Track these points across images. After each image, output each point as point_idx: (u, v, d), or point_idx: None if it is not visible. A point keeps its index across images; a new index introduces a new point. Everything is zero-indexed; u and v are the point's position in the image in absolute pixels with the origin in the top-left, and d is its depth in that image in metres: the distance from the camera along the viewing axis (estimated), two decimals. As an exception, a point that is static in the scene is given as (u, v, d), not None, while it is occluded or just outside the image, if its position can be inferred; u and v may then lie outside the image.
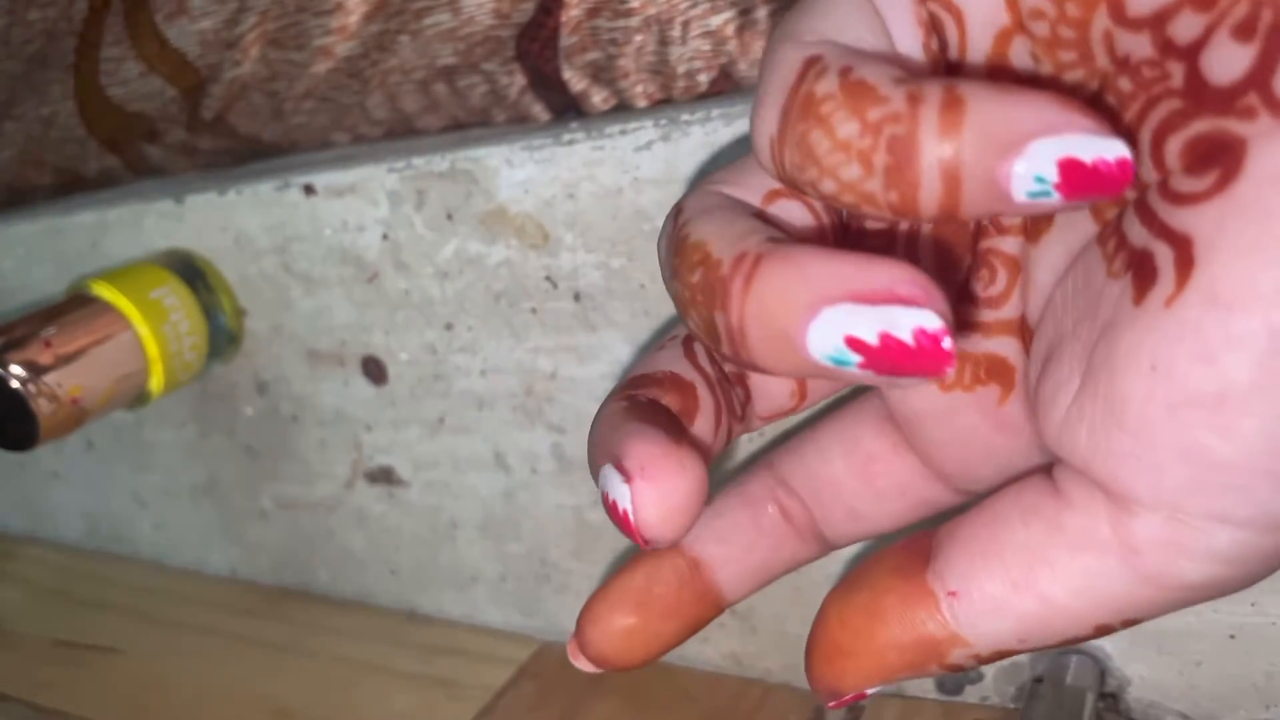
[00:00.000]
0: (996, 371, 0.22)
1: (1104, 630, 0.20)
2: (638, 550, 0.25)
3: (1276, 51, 0.16)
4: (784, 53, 0.18)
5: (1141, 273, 0.17)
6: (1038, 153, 0.16)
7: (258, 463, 0.40)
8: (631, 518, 0.19)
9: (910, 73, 0.17)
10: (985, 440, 0.23)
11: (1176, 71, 0.17)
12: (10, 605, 0.44)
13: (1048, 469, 0.20)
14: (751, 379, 0.24)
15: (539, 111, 0.33)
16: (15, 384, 0.32)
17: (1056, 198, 0.16)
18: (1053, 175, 0.16)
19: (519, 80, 0.32)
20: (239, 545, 0.42)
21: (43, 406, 0.33)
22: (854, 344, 0.17)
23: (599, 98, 0.31)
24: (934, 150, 0.16)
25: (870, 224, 0.22)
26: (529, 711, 0.34)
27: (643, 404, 0.22)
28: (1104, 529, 0.19)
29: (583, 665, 0.24)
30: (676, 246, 0.19)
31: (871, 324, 0.17)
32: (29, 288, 0.42)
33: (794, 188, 0.18)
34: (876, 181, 0.17)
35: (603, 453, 0.20)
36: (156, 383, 0.36)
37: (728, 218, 0.19)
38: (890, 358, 0.17)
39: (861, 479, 0.25)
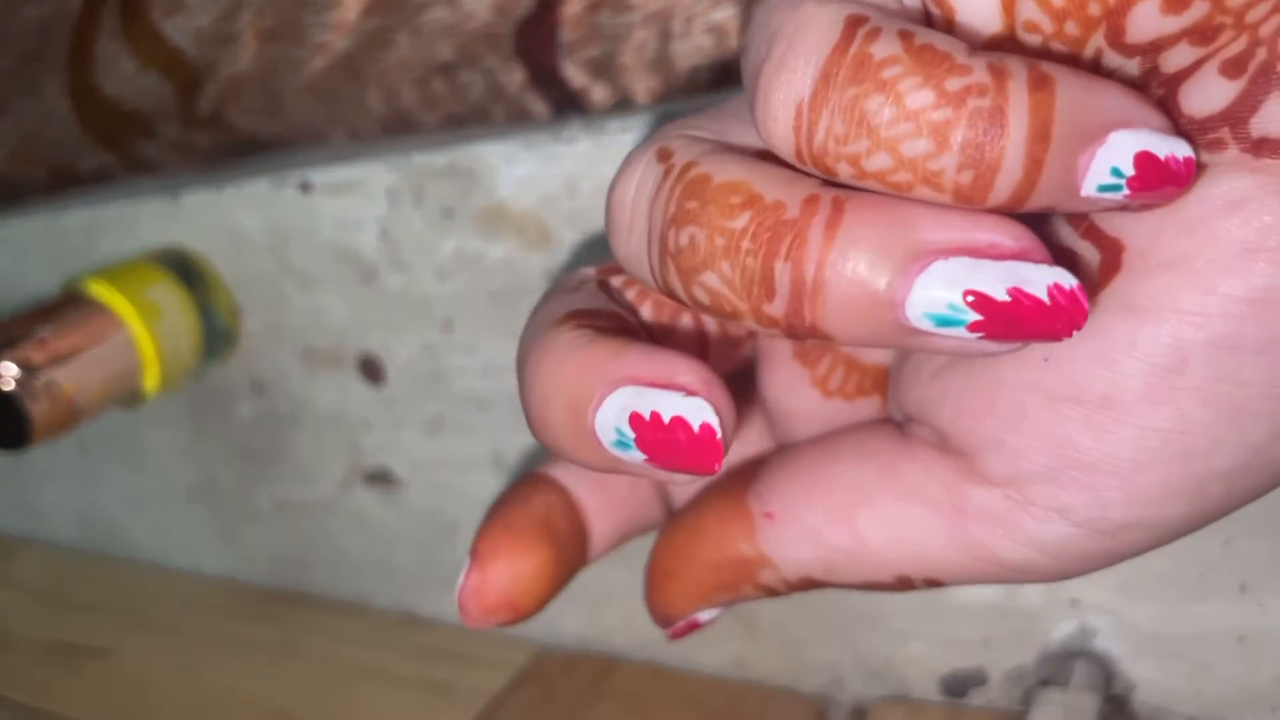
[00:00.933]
0: (880, 383, 0.22)
1: (904, 582, 0.20)
2: (519, 484, 0.24)
3: (1260, 92, 0.16)
4: (810, 10, 0.16)
5: None
6: (1117, 145, 0.16)
7: (254, 463, 0.40)
8: (711, 431, 0.17)
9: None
10: None
11: (1154, 95, 0.17)
12: (4, 607, 0.44)
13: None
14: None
15: (539, 108, 0.33)
16: (9, 384, 0.32)
17: (1124, 194, 0.16)
18: (1128, 169, 0.16)
19: (518, 76, 0.32)
20: (235, 547, 0.42)
21: (37, 406, 0.32)
22: (976, 299, 0.16)
23: (600, 94, 0.31)
24: (1022, 130, 0.15)
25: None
26: (527, 716, 0.33)
27: (614, 328, 0.19)
28: (938, 488, 0.19)
29: (475, 616, 0.22)
30: (692, 188, 0.17)
31: (999, 279, 0.16)
32: (22, 286, 0.41)
33: (814, 162, 0.16)
34: (949, 159, 0.15)
35: (612, 378, 0.18)
36: (152, 382, 0.36)
37: (750, 159, 0.17)
38: (1015, 313, 0.16)
39: None
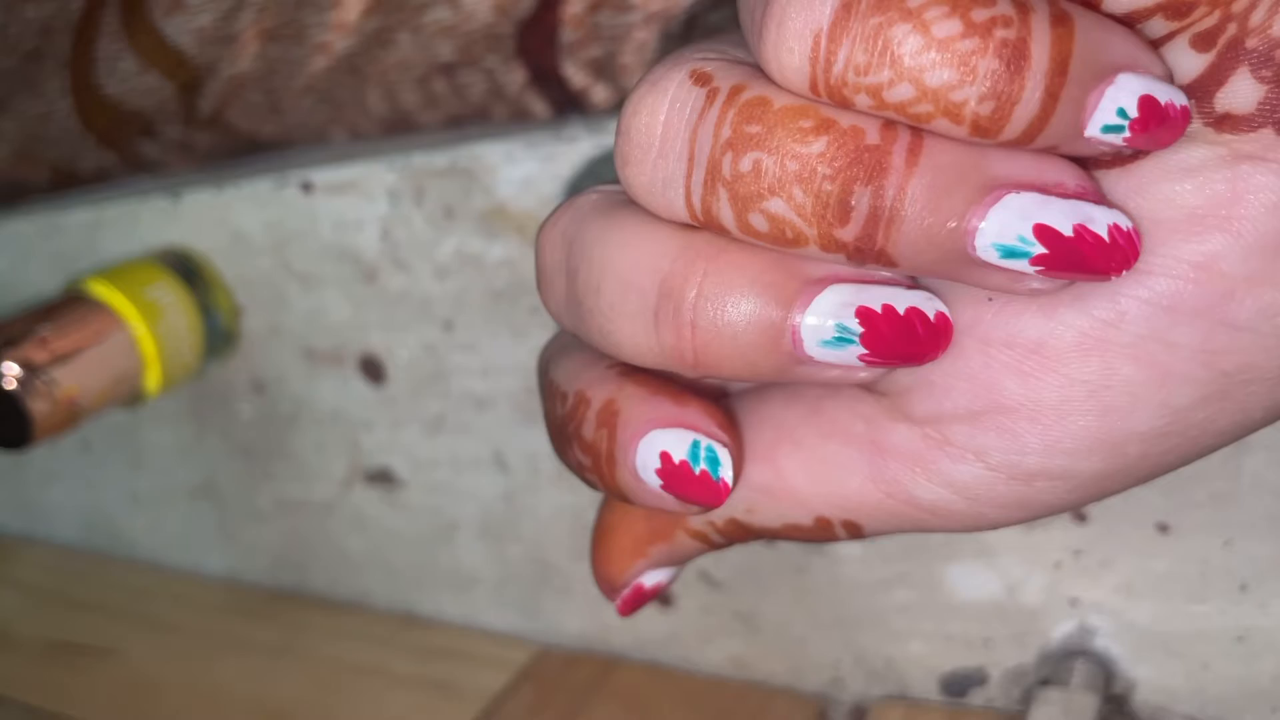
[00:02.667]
0: None
1: (823, 525, 0.20)
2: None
3: (1228, 66, 0.16)
4: None
5: None
6: (1124, 86, 0.16)
7: (255, 463, 0.40)
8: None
9: None
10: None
11: None
12: (5, 606, 0.44)
13: None
14: None
15: (539, 108, 0.32)
16: (10, 383, 0.32)
17: (1125, 136, 0.16)
18: (1133, 110, 0.16)
19: (519, 76, 0.32)
20: (236, 546, 0.42)
21: (38, 406, 0.32)
22: (1044, 232, 0.16)
23: (601, 94, 0.31)
24: (1044, 63, 0.15)
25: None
26: (528, 715, 0.33)
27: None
28: (860, 424, 0.19)
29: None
30: (751, 112, 0.17)
31: (1066, 215, 0.16)
32: (24, 286, 0.41)
33: (831, 94, 0.16)
34: (971, 90, 0.15)
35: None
36: (153, 382, 0.36)
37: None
38: (1078, 249, 0.16)
39: None
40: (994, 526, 0.19)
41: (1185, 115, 0.16)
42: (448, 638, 0.37)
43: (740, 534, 0.21)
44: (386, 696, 0.35)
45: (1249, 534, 0.27)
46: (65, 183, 0.43)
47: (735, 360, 0.18)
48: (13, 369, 0.32)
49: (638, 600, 0.23)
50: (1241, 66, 0.16)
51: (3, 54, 0.39)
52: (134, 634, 0.40)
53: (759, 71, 0.17)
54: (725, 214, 0.17)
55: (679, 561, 0.23)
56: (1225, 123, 0.16)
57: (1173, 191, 0.17)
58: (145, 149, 0.40)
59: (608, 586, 0.23)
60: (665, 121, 0.18)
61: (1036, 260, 0.16)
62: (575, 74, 0.31)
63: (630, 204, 0.19)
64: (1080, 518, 0.28)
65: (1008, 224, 0.16)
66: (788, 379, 0.19)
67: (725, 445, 0.19)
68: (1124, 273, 0.17)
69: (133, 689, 0.38)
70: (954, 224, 0.16)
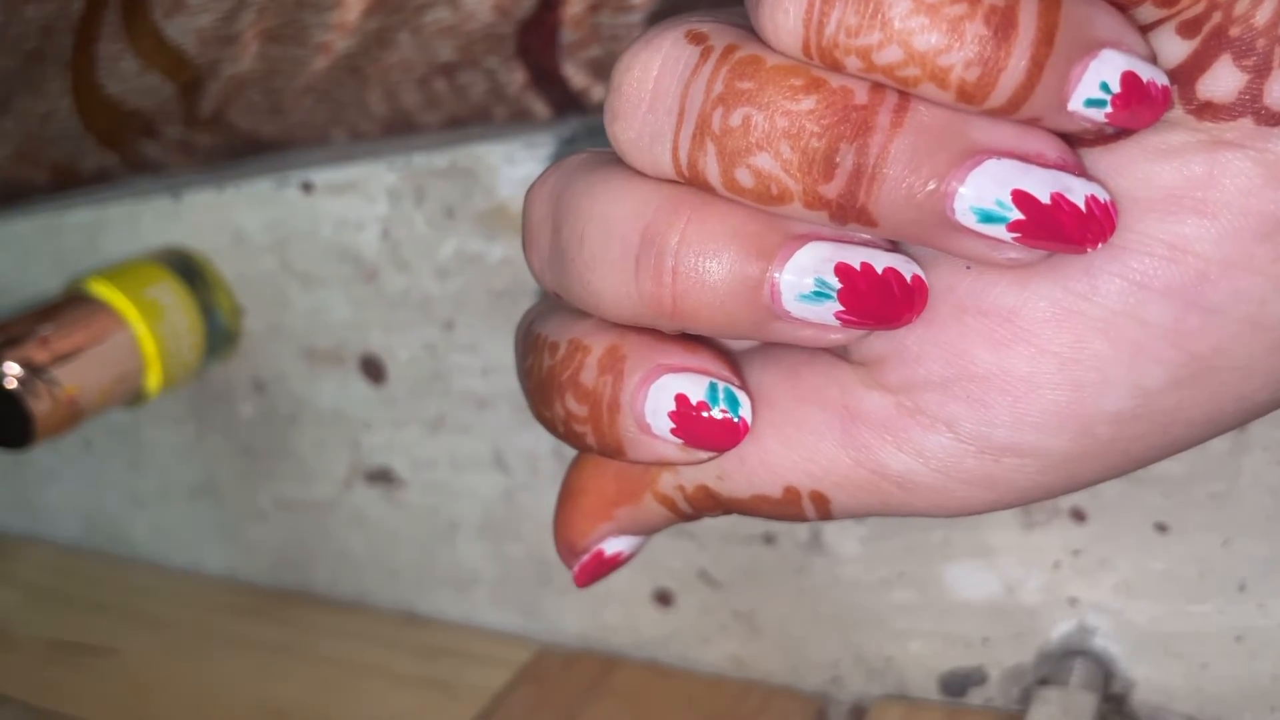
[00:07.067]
0: None
1: (791, 497, 0.20)
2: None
3: (1211, 53, 0.16)
4: None
5: None
6: (1108, 60, 0.16)
7: (255, 462, 0.40)
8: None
9: None
10: None
11: None
12: (6, 605, 0.44)
13: None
14: None
15: (540, 108, 0.33)
16: (11, 383, 0.32)
17: (1107, 112, 0.16)
18: (1115, 85, 0.16)
19: (519, 77, 0.32)
20: (236, 546, 0.42)
21: (39, 405, 0.32)
22: (1021, 198, 0.17)
23: (601, 95, 0.31)
24: (1030, 32, 0.16)
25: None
26: (528, 714, 0.33)
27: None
28: (834, 390, 0.20)
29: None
30: (744, 69, 0.17)
31: (1044, 183, 0.17)
32: (25, 285, 0.41)
33: (822, 55, 0.17)
34: (958, 55, 0.16)
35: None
36: (154, 382, 0.36)
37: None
38: (1055, 217, 0.17)
39: None
40: (962, 508, 0.19)
41: (1166, 95, 0.17)
42: (448, 637, 0.37)
43: (708, 503, 0.21)
44: (386, 696, 0.35)
45: (1248, 534, 0.27)
46: (66, 183, 0.43)
47: (714, 310, 0.18)
48: (14, 369, 0.32)
49: (596, 568, 0.23)
50: (1224, 54, 0.16)
51: (4, 54, 0.39)
52: (134, 634, 0.40)
53: (753, 35, 0.18)
54: (711, 169, 0.17)
55: (643, 530, 0.23)
56: (1206, 110, 0.17)
57: (1151, 171, 0.17)
58: (146, 149, 0.40)
59: (568, 551, 0.23)
60: (658, 77, 0.18)
61: (1013, 227, 0.17)
62: (575, 74, 0.31)
63: (618, 161, 0.19)
64: (1079, 517, 0.29)
65: (986, 188, 0.16)
66: (764, 336, 0.19)
67: (743, 389, 0.20)
68: (1099, 245, 0.17)
69: (133, 689, 0.38)
70: (934, 185, 0.17)
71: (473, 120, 0.34)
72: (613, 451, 0.20)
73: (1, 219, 0.42)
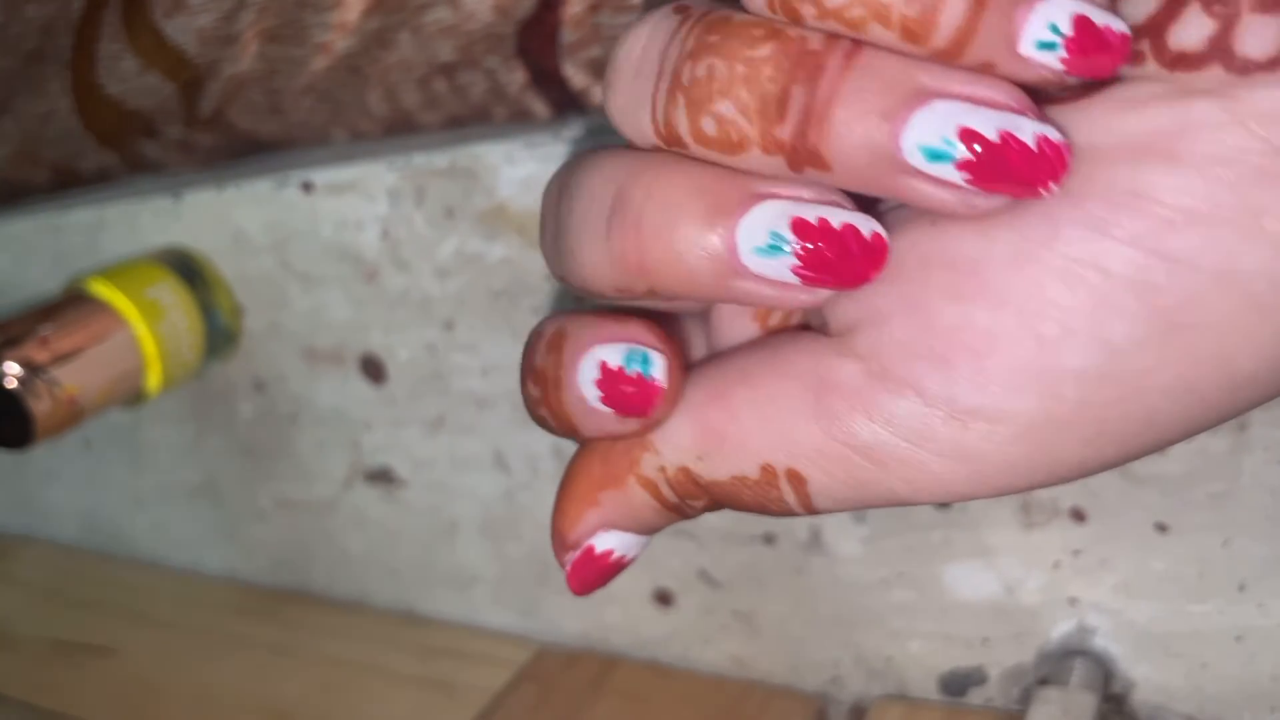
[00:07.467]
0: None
1: (768, 475, 0.20)
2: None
3: (1178, 4, 0.16)
4: None
5: None
6: (1056, 3, 0.16)
7: (255, 462, 0.40)
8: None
9: None
10: None
11: None
12: (6, 605, 0.44)
13: None
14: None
15: (540, 108, 0.33)
16: (11, 382, 0.32)
17: (1061, 56, 0.17)
18: (1067, 29, 0.16)
19: (519, 77, 0.32)
20: (236, 545, 0.42)
21: (39, 405, 0.32)
22: (968, 134, 0.17)
23: (601, 94, 0.31)
24: None
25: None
26: (528, 714, 0.33)
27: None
28: (809, 361, 0.20)
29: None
30: (713, 25, 0.18)
31: (991, 122, 0.17)
32: (25, 285, 0.41)
33: (784, 10, 0.18)
34: None
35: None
36: (154, 381, 0.36)
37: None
38: (1003, 154, 0.17)
39: None
40: (937, 485, 0.19)
41: (1125, 42, 0.17)
42: (448, 637, 0.37)
43: (691, 487, 0.21)
44: (387, 696, 0.35)
45: (1248, 534, 0.27)
46: (66, 183, 0.43)
47: (677, 266, 0.18)
48: (14, 368, 0.32)
49: (587, 567, 0.23)
50: (1194, 2, 0.16)
51: (4, 54, 0.39)
52: (134, 633, 0.40)
53: (734, 8, 0.18)
54: (682, 121, 0.18)
55: (632, 522, 0.22)
56: (1179, 63, 0.17)
57: (1121, 121, 0.17)
58: (146, 149, 0.40)
59: (560, 544, 0.23)
60: (645, 46, 0.19)
61: (962, 166, 0.17)
62: (575, 74, 0.31)
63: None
64: (1079, 517, 0.29)
65: (932, 124, 0.17)
66: (728, 295, 0.19)
67: (659, 350, 0.20)
68: (1052, 186, 0.17)
69: (132, 688, 0.38)
70: (882, 125, 0.17)
71: (473, 120, 0.34)
72: (568, 429, 0.21)
73: (1, 219, 0.42)
